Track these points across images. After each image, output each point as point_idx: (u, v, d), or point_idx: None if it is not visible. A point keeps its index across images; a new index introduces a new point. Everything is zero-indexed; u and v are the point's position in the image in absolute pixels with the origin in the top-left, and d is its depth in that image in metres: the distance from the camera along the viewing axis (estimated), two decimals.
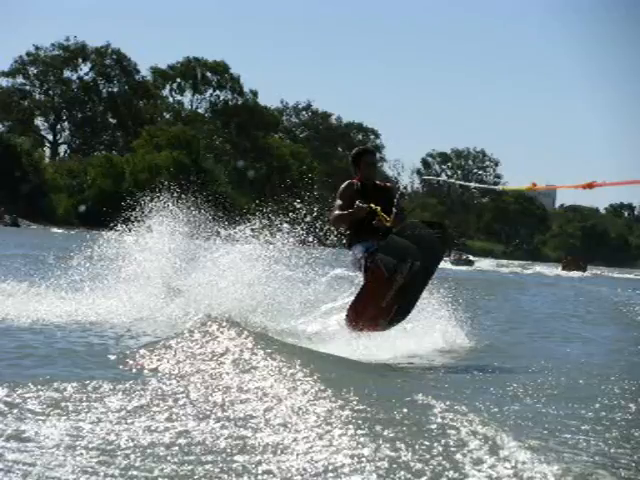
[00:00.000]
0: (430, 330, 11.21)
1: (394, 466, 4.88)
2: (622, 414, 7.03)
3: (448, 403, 6.18)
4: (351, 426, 5.51)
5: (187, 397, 6.56)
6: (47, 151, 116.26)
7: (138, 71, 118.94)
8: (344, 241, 11.22)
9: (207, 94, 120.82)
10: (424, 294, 10.89)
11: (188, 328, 9.48)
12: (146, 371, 7.75)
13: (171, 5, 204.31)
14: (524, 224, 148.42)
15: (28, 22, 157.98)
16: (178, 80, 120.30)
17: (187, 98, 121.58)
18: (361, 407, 5.97)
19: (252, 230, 12.11)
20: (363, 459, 4.98)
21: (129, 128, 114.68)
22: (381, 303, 10.37)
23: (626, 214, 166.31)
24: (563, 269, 79.16)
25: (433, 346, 10.86)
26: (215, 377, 7.34)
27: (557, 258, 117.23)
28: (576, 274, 70.98)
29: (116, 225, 14.67)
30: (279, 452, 5.18)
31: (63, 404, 6.21)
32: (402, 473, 4.79)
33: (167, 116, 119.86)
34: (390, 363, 9.69)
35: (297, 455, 5.11)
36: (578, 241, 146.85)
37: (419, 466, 4.88)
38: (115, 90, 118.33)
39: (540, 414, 6.84)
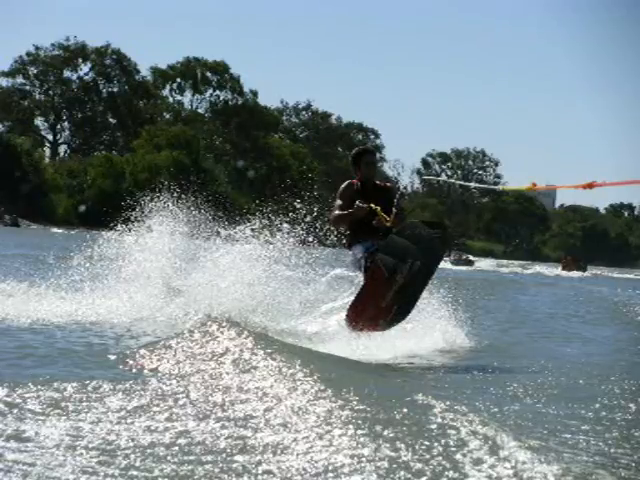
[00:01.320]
0: (430, 330, 11.20)
1: (394, 466, 4.87)
2: (622, 414, 7.03)
3: (448, 403, 6.17)
4: (351, 426, 5.51)
5: (187, 397, 6.55)
6: (47, 151, 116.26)
7: (138, 71, 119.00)
8: (344, 241, 11.22)
9: (207, 94, 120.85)
10: (424, 294, 10.88)
11: (188, 328, 9.49)
12: (146, 371, 7.75)
13: (171, 5, 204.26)
14: (524, 224, 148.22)
15: (28, 22, 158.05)
16: (178, 80, 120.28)
17: (187, 98, 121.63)
18: (361, 407, 5.97)
19: (252, 230, 12.10)
20: (363, 459, 4.98)
21: (129, 128, 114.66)
22: (381, 303, 10.36)
23: (626, 214, 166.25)
24: (563, 269, 79.02)
25: (433, 346, 10.86)
26: (215, 377, 7.33)
27: (557, 258, 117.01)
28: (576, 274, 70.89)
29: (116, 225, 14.66)
30: (279, 452, 5.18)
31: (63, 404, 6.20)
32: (402, 473, 4.79)
33: (167, 116, 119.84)
34: (390, 363, 9.69)
35: (297, 455, 5.11)
36: (578, 241, 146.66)
37: (419, 466, 4.88)
38: (115, 90, 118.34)
39: (540, 414, 6.84)
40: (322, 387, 6.53)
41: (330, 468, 4.88)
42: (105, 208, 26.20)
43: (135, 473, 4.88)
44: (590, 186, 8.58)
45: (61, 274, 14.06)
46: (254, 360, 7.72)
